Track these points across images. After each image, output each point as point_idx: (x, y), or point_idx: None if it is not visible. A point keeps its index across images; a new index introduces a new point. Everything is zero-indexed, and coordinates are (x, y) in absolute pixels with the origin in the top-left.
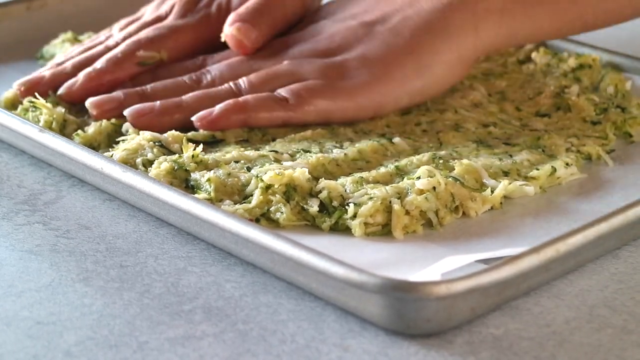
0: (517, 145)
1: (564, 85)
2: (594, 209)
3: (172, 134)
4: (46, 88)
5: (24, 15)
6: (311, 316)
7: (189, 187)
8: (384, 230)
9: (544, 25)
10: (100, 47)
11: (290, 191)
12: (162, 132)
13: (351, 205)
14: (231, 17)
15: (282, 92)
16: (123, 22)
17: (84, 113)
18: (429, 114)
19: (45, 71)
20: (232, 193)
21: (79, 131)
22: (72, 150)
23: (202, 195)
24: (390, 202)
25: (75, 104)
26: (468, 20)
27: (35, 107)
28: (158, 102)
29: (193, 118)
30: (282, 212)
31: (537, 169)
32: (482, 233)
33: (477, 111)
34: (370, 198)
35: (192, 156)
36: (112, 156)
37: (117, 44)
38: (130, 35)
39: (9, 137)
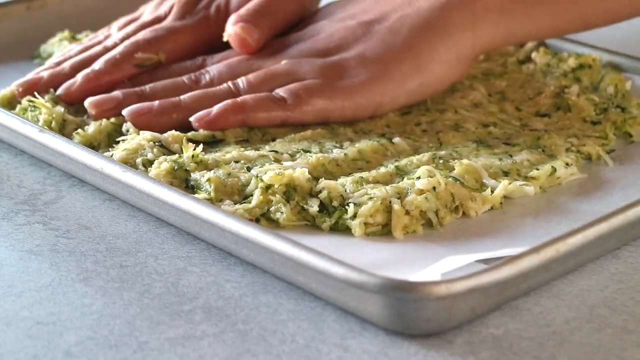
0: (517, 145)
1: (564, 85)
2: (594, 209)
3: (172, 134)
4: (44, 89)
5: (23, 15)
6: (311, 316)
7: (189, 187)
8: (384, 230)
9: (543, 25)
10: (98, 48)
11: (290, 191)
12: (161, 131)
13: (351, 205)
14: (233, 18)
15: (280, 92)
16: (122, 21)
17: (82, 113)
18: (429, 114)
19: (43, 71)
20: (232, 193)
21: (79, 130)
22: (72, 150)
23: (202, 195)
24: (390, 202)
25: (73, 104)
26: (466, 18)
27: (34, 106)
28: (156, 102)
29: (191, 118)
30: (282, 212)
31: (537, 169)
32: (482, 233)
33: (477, 111)
34: (370, 198)
35: (192, 156)
36: (112, 156)
37: (115, 45)
38: (128, 35)
39: (9, 137)
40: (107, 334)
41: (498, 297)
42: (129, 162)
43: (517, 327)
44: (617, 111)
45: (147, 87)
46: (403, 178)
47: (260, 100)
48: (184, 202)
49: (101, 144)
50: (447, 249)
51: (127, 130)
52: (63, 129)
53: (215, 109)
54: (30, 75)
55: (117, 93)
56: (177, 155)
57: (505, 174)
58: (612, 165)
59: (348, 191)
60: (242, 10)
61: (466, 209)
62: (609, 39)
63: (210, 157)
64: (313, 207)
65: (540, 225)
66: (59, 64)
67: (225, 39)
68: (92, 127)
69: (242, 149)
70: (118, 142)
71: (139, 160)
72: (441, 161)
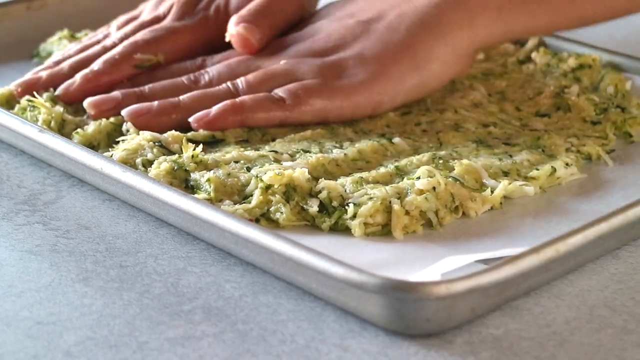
0: (517, 145)
1: (564, 85)
2: (594, 209)
3: (172, 134)
4: (43, 89)
5: (23, 15)
6: (311, 316)
7: (189, 187)
8: (383, 231)
9: (542, 21)
10: (97, 47)
11: (290, 191)
12: (160, 132)
13: (351, 205)
14: (235, 19)
15: (279, 92)
16: (121, 19)
17: (81, 112)
18: (429, 114)
19: (42, 71)
20: (231, 193)
21: (79, 130)
22: (72, 150)
23: (201, 195)
24: (390, 202)
25: (72, 104)
26: (463, 15)
27: (33, 106)
28: (156, 103)
29: (190, 119)
30: (281, 212)
31: (537, 169)
32: (482, 233)
33: (477, 111)
34: (370, 198)
35: (192, 156)
36: (111, 156)
37: (114, 44)
38: (127, 35)
39: (9, 137)
40: (107, 334)
41: (498, 297)
42: (128, 162)
43: (517, 327)
44: (617, 111)
45: (146, 87)
46: (403, 178)
47: (259, 101)
48: (184, 202)
49: (101, 143)
50: (447, 249)
51: (127, 130)
52: (62, 129)
53: (215, 109)
54: (29, 75)
55: (116, 93)
56: (176, 156)
57: (505, 174)
58: (612, 165)
59: (348, 191)
60: (244, 11)
61: (466, 209)
62: (609, 39)
63: (210, 157)
64: (313, 207)
65: (540, 226)
66: (57, 63)
67: (227, 39)
68: (91, 127)
69: (241, 149)
70: (118, 142)
71: (138, 160)
72: (441, 161)
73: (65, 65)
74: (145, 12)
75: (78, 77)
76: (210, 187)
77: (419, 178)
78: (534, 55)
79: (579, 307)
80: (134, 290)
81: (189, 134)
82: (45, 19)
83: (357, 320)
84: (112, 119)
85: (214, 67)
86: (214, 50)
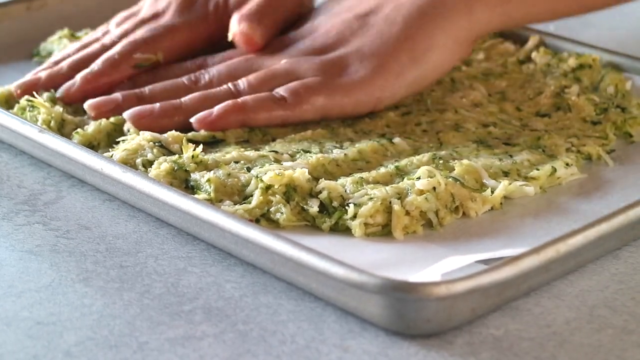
0: (517, 145)
1: (564, 85)
2: (594, 209)
3: (172, 134)
4: (43, 89)
5: (23, 15)
6: (311, 317)
7: (189, 188)
8: (384, 231)
9: (541, 8)
10: (96, 46)
11: (290, 191)
12: (161, 133)
13: (351, 205)
14: (236, 17)
15: (280, 91)
16: (120, 16)
17: (81, 112)
18: (429, 114)
19: (41, 72)
20: (232, 193)
21: (79, 130)
22: (72, 150)
23: (202, 195)
24: (390, 202)
25: (72, 104)
26: (461, 2)
27: (33, 106)
28: (157, 105)
29: (192, 120)
30: (282, 213)
31: (537, 169)
32: (482, 233)
33: (477, 111)
34: (370, 198)
35: (192, 156)
36: (112, 156)
37: (113, 43)
38: (126, 32)
39: (9, 137)
40: (107, 334)
41: (498, 298)
42: (128, 163)
43: (518, 327)
44: (617, 111)
45: (147, 88)
46: (403, 178)
47: (261, 101)
48: (184, 202)
49: (101, 143)
50: (447, 249)
51: (128, 130)
52: (62, 129)
53: (216, 110)
54: (28, 76)
55: (116, 95)
56: (177, 156)
57: (506, 174)
58: (612, 165)
59: (348, 191)
60: (245, 10)
61: (466, 209)
62: (609, 39)
63: (210, 157)
64: (313, 207)
65: (540, 226)
66: (57, 63)
67: (230, 38)
68: (91, 127)
69: (242, 149)
70: (118, 142)
71: (138, 160)
72: (441, 161)
73: (64, 65)
74: (144, 8)
75: (78, 78)
76: (210, 187)
77: (419, 178)
78: (534, 55)
79: (579, 307)
80: (134, 290)
81: (189, 134)
82: (45, 18)
83: (357, 321)
84: (112, 119)
85: (214, 67)
86: (213, 46)
